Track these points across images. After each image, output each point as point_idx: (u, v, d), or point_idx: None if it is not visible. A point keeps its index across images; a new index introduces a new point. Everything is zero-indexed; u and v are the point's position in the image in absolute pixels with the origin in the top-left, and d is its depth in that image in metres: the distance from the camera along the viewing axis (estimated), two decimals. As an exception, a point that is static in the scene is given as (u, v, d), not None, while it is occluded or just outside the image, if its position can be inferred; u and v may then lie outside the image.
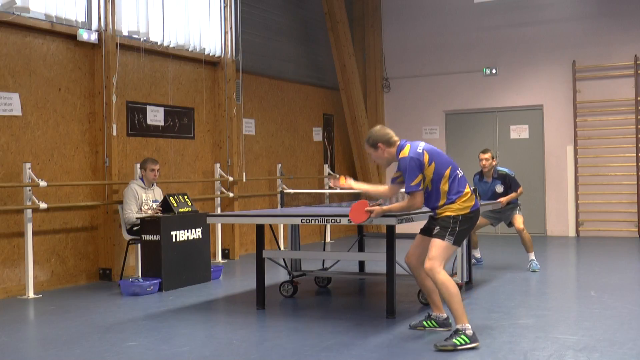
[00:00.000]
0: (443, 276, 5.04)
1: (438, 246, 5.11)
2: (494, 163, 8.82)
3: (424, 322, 5.52)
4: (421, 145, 5.28)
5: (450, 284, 5.02)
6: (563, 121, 12.86)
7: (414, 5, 14.15)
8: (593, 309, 6.29)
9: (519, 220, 8.83)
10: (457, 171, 5.29)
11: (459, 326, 4.99)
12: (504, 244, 11.61)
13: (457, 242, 5.18)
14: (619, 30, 12.45)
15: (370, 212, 5.38)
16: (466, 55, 13.65)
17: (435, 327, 5.48)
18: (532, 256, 8.72)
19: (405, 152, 5.24)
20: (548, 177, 13.05)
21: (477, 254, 9.21)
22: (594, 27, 12.65)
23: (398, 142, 5.38)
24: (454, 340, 4.93)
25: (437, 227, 5.19)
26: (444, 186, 5.18)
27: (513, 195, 8.71)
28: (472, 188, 8.26)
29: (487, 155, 8.79)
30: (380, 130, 5.43)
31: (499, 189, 8.74)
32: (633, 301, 6.64)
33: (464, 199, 5.20)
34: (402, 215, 5.68)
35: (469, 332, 4.96)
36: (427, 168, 5.17)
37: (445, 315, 5.47)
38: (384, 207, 5.38)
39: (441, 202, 5.20)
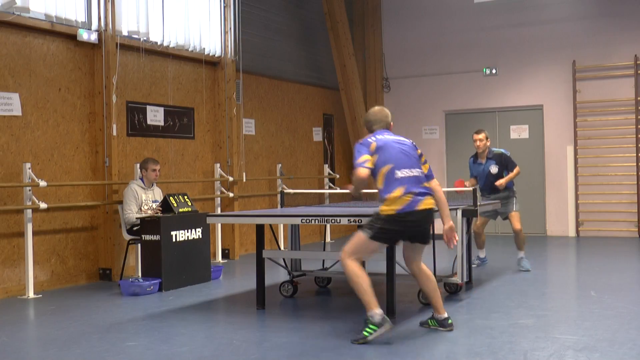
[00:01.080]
0: (349, 267, 5.15)
1: (356, 238, 5.24)
2: (487, 143, 8.58)
3: (428, 321, 5.57)
4: (374, 138, 5.42)
5: (353, 274, 5.12)
6: (563, 121, 12.86)
7: (414, 5, 14.15)
8: (593, 309, 6.29)
9: (516, 219, 8.60)
10: (400, 172, 5.24)
11: (367, 314, 5.09)
12: (504, 244, 11.60)
13: (374, 238, 5.19)
14: (619, 30, 12.45)
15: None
16: (466, 55, 13.65)
17: (437, 326, 5.49)
18: (522, 254, 8.63)
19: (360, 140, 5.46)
20: (548, 177, 13.05)
21: (482, 254, 9.13)
22: (594, 27, 12.65)
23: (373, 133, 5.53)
24: (363, 332, 5.07)
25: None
26: (379, 182, 5.26)
27: (511, 175, 8.45)
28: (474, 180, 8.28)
29: (481, 136, 8.55)
30: (368, 114, 5.76)
31: (494, 169, 8.50)
32: (633, 301, 6.64)
33: (392, 198, 5.16)
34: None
35: (376, 318, 5.04)
36: (372, 156, 5.29)
37: (444, 316, 5.48)
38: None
39: (378, 197, 5.32)
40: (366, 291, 5.09)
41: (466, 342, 5.24)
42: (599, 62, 12.55)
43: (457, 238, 5.46)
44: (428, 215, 5.32)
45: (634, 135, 12.28)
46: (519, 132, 13.39)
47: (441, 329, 5.46)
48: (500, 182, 8.39)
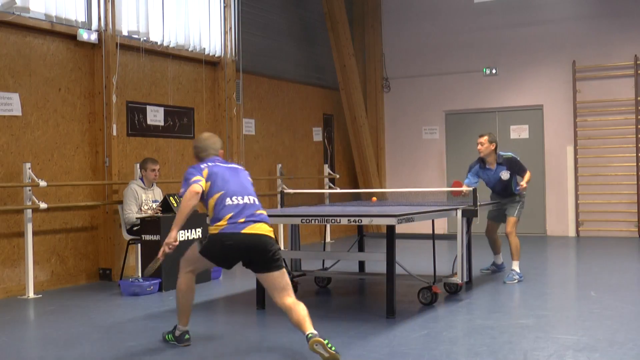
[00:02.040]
0: (179, 280, 5.35)
1: (191, 247, 5.37)
2: (491, 147, 8.03)
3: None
4: (206, 166, 5.21)
5: (178, 289, 5.33)
6: (563, 121, 12.86)
7: (414, 5, 14.14)
8: (593, 309, 6.29)
9: (511, 223, 8.05)
10: (231, 199, 5.07)
11: (177, 325, 5.29)
12: (504, 244, 11.59)
13: (202, 253, 5.20)
14: (619, 30, 12.45)
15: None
16: (466, 55, 13.64)
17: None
18: (515, 265, 7.89)
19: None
20: (548, 177, 13.05)
21: (498, 260, 8.53)
22: (594, 27, 12.65)
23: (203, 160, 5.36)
24: (166, 335, 5.35)
25: None
26: (209, 210, 5.17)
27: (527, 177, 8.02)
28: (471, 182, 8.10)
29: (482, 140, 8.07)
30: (196, 140, 5.55)
31: (505, 175, 8.01)
32: (633, 301, 6.64)
33: (220, 220, 5.06)
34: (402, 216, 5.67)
35: (177, 333, 5.29)
36: (205, 180, 5.14)
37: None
38: None
39: (209, 224, 5.22)
40: (181, 309, 5.29)
41: (466, 342, 5.24)
42: (599, 62, 12.54)
43: (166, 251, 5.26)
44: (258, 241, 4.95)
45: (634, 135, 12.27)
46: (519, 132, 13.39)
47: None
48: (523, 185, 7.97)
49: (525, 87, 13.22)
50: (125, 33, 8.95)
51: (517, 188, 8.07)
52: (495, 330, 5.48)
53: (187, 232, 8.06)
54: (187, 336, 5.24)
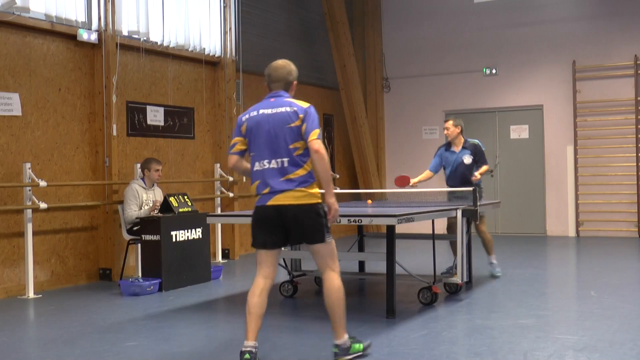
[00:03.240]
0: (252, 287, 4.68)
1: None
2: (457, 131, 8.05)
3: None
4: (247, 116, 4.73)
5: (248, 295, 4.68)
6: (563, 121, 12.86)
7: (414, 5, 14.15)
8: (593, 309, 6.29)
9: (481, 220, 7.91)
10: (259, 163, 4.62)
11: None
12: (504, 244, 11.61)
13: (253, 245, 4.73)
14: (619, 30, 12.45)
15: None
16: (466, 55, 13.65)
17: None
18: (493, 259, 8.11)
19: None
20: (548, 177, 13.05)
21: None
22: (594, 27, 12.65)
23: (272, 91, 4.79)
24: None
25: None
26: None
27: (483, 169, 7.87)
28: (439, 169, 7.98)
29: (448, 124, 8.09)
30: (268, 67, 4.85)
31: (467, 159, 7.98)
32: (633, 301, 6.64)
33: (252, 190, 4.73)
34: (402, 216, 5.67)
35: (242, 348, 4.64)
36: (244, 138, 4.72)
37: (337, 342, 4.69)
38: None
39: None
40: (246, 317, 4.66)
41: (466, 342, 5.24)
42: (599, 62, 12.54)
43: (333, 216, 4.77)
44: (279, 212, 4.59)
45: (634, 135, 12.27)
46: (519, 132, 13.39)
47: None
48: (477, 176, 7.80)
49: (525, 87, 13.22)
50: (125, 33, 8.95)
51: (472, 178, 7.88)
52: (495, 330, 5.48)
53: (187, 232, 8.06)
54: (247, 356, 4.55)
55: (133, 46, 9.10)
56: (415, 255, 8.27)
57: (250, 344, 4.58)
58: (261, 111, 4.67)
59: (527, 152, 13.27)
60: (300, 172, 4.61)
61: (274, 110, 4.64)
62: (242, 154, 4.77)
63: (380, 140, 14.41)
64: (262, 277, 4.68)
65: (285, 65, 4.79)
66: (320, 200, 4.74)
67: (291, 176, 4.59)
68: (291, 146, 4.58)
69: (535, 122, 13.23)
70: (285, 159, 4.58)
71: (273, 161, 4.60)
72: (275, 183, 4.59)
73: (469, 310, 6.36)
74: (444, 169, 8.26)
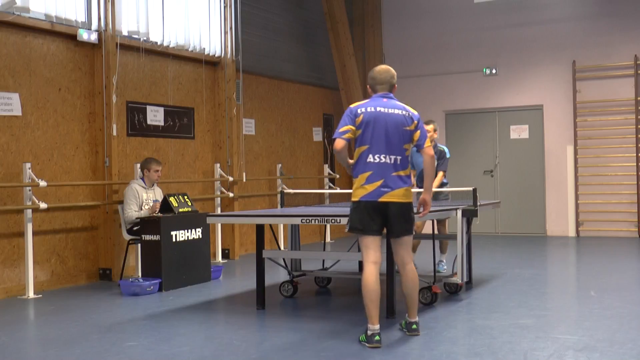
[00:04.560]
0: (363, 272, 5.12)
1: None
2: (435, 136, 8.28)
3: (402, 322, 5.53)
4: (364, 109, 5.14)
5: (362, 281, 5.07)
6: (563, 121, 12.86)
7: (414, 5, 14.15)
8: (593, 309, 6.29)
9: (445, 222, 8.35)
10: (375, 157, 5.06)
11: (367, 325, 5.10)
12: (504, 244, 11.62)
13: (350, 229, 5.17)
14: (619, 30, 12.45)
15: None
16: (466, 55, 13.65)
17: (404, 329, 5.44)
18: (443, 257, 8.45)
19: (355, 103, 5.30)
20: (548, 177, 13.05)
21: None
22: (594, 27, 12.65)
23: (379, 92, 5.32)
24: (360, 336, 5.15)
25: None
26: (355, 155, 5.17)
27: (435, 182, 7.55)
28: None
29: (430, 127, 8.14)
30: (373, 71, 5.44)
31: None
32: (633, 301, 6.64)
33: (356, 182, 5.14)
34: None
35: (369, 332, 5.02)
36: (356, 130, 5.13)
37: (412, 320, 5.35)
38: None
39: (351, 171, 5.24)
40: (367, 304, 5.04)
41: (466, 342, 5.24)
42: (599, 62, 12.54)
43: (425, 212, 5.30)
44: (394, 207, 5.10)
45: (634, 135, 12.28)
46: (519, 132, 13.39)
47: (407, 332, 5.35)
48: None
49: (525, 87, 13.22)
50: (125, 33, 8.95)
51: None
52: (495, 330, 5.48)
53: (187, 231, 8.07)
54: (377, 337, 4.98)
55: (133, 46, 9.10)
56: (415, 255, 8.26)
57: (377, 327, 5.02)
58: (378, 108, 5.15)
59: (527, 152, 13.27)
60: (407, 171, 5.19)
61: (390, 110, 5.16)
62: (349, 141, 5.13)
63: (380, 140, 14.39)
64: (372, 264, 5.11)
65: (388, 69, 5.41)
66: None
67: (401, 173, 5.14)
68: (404, 147, 5.15)
69: (535, 122, 13.23)
70: (399, 157, 5.12)
71: (388, 157, 5.09)
72: (389, 178, 5.09)
73: (469, 310, 6.36)
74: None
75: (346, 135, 5.10)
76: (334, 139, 5.17)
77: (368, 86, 5.39)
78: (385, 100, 5.24)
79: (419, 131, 5.20)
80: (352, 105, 5.27)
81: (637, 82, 12.24)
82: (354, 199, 5.16)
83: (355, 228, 5.16)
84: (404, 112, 5.19)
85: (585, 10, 12.77)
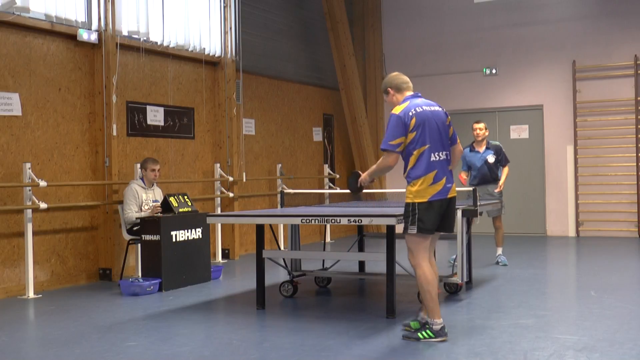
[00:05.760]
0: (420, 270, 5.15)
1: (409, 240, 5.21)
2: (486, 133, 9.15)
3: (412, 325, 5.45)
4: (414, 112, 5.10)
5: (423, 279, 5.13)
6: (563, 121, 12.86)
7: (413, 5, 14.15)
8: (593, 309, 6.29)
9: (500, 218, 9.21)
10: (436, 154, 5.11)
11: (429, 320, 5.16)
12: (504, 244, 11.59)
13: (422, 230, 5.12)
14: (619, 30, 12.45)
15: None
16: (466, 55, 13.65)
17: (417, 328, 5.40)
18: (500, 251, 9.26)
19: (397, 109, 5.18)
20: (548, 177, 13.05)
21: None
22: (594, 27, 12.65)
23: (407, 93, 5.31)
24: (419, 334, 5.14)
25: (402, 217, 5.28)
26: (411, 162, 5.15)
27: (504, 174, 9.02)
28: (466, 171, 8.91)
29: (481, 125, 9.15)
30: (391, 76, 5.41)
31: (491, 158, 9.02)
32: (633, 301, 6.64)
33: (420, 183, 5.09)
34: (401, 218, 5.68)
35: (436, 327, 5.11)
36: (409, 133, 5.10)
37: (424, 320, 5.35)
38: (367, 172, 5.47)
39: (405, 175, 5.22)
40: (433, 298, 5.13)
41: (466, 342, 5.24)
42: (599, 62, 12.55)
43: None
44: (452, 202, 5.29)
45: (634, 135, 12.28)
46: (519, 132, 13.39)
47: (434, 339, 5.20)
48: (500, 186, 8.97)
49: (525, 87, 13.22)
50: (125, 33, 8.95)
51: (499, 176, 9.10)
52: (495, 330, 5.48)
53: (187, 232, 8.07)
54: (446, 329, 5.18)
55: (133, 46, 9.10)
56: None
57: (442, 320, 5.16)
58: (424, 107, 5.17)
59: (527, 152, 13.27)
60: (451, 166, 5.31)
61: (432, 108, 5.22)
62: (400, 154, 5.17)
63: (380, 140, 14.38)
64: (428, 262, 5.22)
65: (399, 73, 5.44)
66: None
67: (450, 168, 5.27)
68: (448, 141, 5.25)
69: (535, 122, 13.23)
70: (448, 152, 5.25)
71: (444, 153, 5.18)
72: (449, 174, 5.21)
73: (469, 310, 6.36)
74: (469, 168, 9.23)
75: (399, 148, 5.11)
76: (385, 150, 5.12)
77: (390, 90, 5.30)
78: (420, 99, 5.28)
79: (452, 127, 5.33)
80: (396, 113, 5.12)
81: (637, 82, 12.24)
82: (421, 200, 5.08)
83: (426, 229, 5.12)
84: (441, 109, 5.32)
85: (585, 10, 12.77)
